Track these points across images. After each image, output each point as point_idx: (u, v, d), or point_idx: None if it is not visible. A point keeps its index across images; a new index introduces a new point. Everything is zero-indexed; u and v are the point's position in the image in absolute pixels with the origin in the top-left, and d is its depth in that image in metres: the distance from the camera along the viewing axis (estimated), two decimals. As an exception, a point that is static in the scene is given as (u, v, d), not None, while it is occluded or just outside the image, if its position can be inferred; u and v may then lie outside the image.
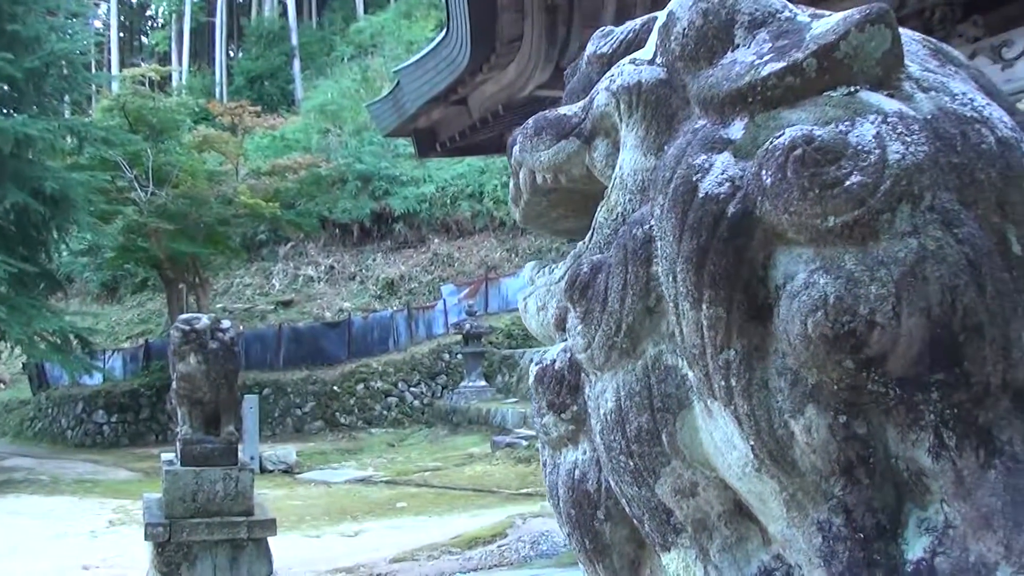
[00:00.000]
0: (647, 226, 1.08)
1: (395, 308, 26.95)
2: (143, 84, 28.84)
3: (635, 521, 1.12)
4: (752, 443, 0.98)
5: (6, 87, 20.81)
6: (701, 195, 1.00)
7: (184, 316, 10.30)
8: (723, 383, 0.98)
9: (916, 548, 0.94)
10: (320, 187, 28.57)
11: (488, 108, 8.11)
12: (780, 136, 0.99)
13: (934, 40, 1.22)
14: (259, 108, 29.69)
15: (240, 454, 10.44)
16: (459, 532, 10.92)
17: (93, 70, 29.54)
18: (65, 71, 21.68)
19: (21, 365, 31.08)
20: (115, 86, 31.28)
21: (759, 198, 0.98)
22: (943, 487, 0.93)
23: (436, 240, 29.98)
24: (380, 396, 24.64)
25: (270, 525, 9.23)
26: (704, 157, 1.03)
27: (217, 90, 42.71)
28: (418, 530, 11.64)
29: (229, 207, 24.63)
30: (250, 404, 18.51)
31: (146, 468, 19.55)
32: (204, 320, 9.69)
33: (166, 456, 10.60)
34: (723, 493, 1.05)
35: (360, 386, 24.77)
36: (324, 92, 36.03)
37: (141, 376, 26.30)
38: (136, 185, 23.32)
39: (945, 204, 0.96)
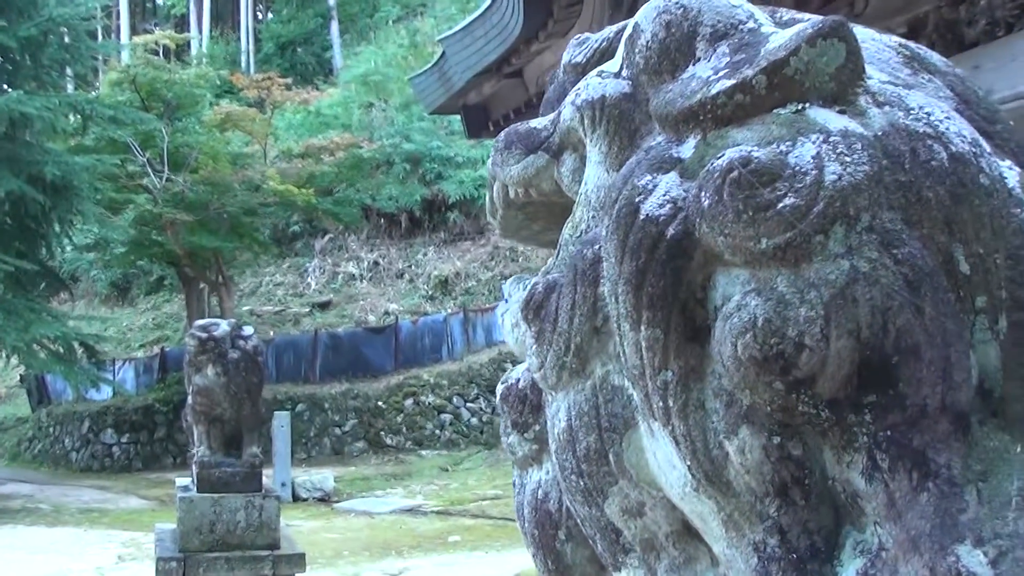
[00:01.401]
0: (597, 246, 1.28)
1: (449, 311, 27.28)
2: (157, 53, 29.69)
3: (590, 541, 1.33)
4: (689, 463, 1.17)
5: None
6: (642, 216, 1.20)
7: (201, 322, 10.69)
8: (661, 404, 1.18)
9: (849, 570, 1.12)
10: (362, 171, 29.00)
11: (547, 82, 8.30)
12: (720, 157, 1.18)
13: (913, 46, 1.40)
14: (290, 80, 30.35)
15: (266, 479, 10.80)
16: (520, 570, 11.14)
17: (99, 38, 30.47)
18: (66, 39, 22.26)
19: (18, 377, 31.88)
20: (125, 56, 32.17)
21: (698, 220, 1.17)
22: (876, 509, 1.11)
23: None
24: (432, 413, 25.00)
25: (299, 561, 9.55)
26: (649, 178, 1.23)
27: (242, 59, 43.58)
28: (473, 568, 11.92)
29: (256, 194, 25.18)
30: (281, 422, 18.96)
31: (161, 496, 20.14)
32: (223, 326, 10.06)
33: (181, 481, 10.99)
34: (670, 513, 1.25)
35: (409, 401, 25.14)
36: (366, 60, 36.50)
37: (156, 390, 27.02)
38: (149, 170, 23.99)
39: (886, 224, 1.14)
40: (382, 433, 25.10)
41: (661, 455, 1.22)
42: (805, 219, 1.12)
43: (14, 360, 23.18)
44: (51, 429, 28.58)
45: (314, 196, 25.73)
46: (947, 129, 1.21)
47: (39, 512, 18.63)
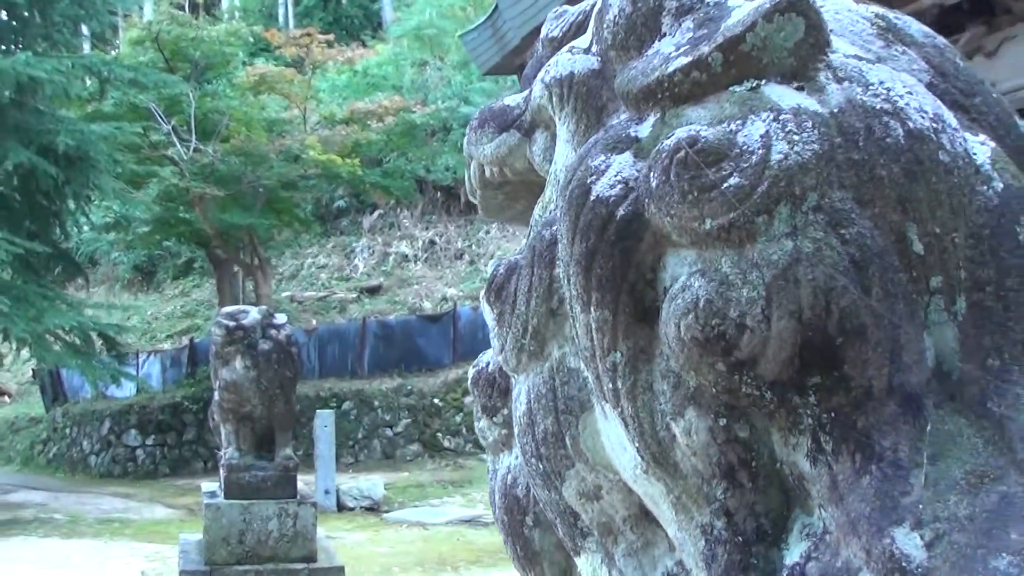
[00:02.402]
0: (554, 228, 1.46)
1: (514, 296, 27.46)
2: (182, 8, 30.17)
3: (552, 526, 1.51)
4: (637, 445, 1.34)
5: (4, 15, 21.34)
6: (592, 197, 1.37)
7: (228, 309, 10.98)
8: (611, 385, 1.35)
9: (795, 553, 1.29)
10: (415, 138, 29.16)
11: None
12: (670, 137, 1.35)
13: (891, 16, 1.55)
14: (333, 36, 30.41)
15: (308, 486, 11.08)
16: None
17: (119, -10, 30.84)
18: (81, -7, 22.63)
19: (31, 372, 32.56)
20: (147, 11, 32.79)
21: (647, 200, 1.34)
22: (820, 492, 1.27)
23: (570, 204, 30.47)
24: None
25: (337, 575, 9.82)
26: (603, 159, 1.40)
27: (279, 12, 44.03)
28: (536, 588, 12.14)
29: (295, 166, 25.46)
30: (324, 422, 19.17)
31: (191, 504, 20.51)
32: (253, 314, 10.34)
33: (208, 487, 11.31)
34: (627, 497, 1.42)
35: (469, 398, 25.30)
36: (420, 12, 36.53)
37: (185, 386, 27.46)
38: (175, 139, 24.35)
39: (835, 203, 1.29)
40: (439, 434, 25.31)
41: (614, 437, 1.40)
42: (749, 199, 1.28)
43: (25, 353, 23.44)
44: (67, 430, 29.11)
45: (361, 167, 26.00)
46: (906, 105, 1.36)
47: (54, 523, 18.93)
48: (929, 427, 1.28)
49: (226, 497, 10.11)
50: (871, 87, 1.37)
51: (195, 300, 34.75)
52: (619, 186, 1.37)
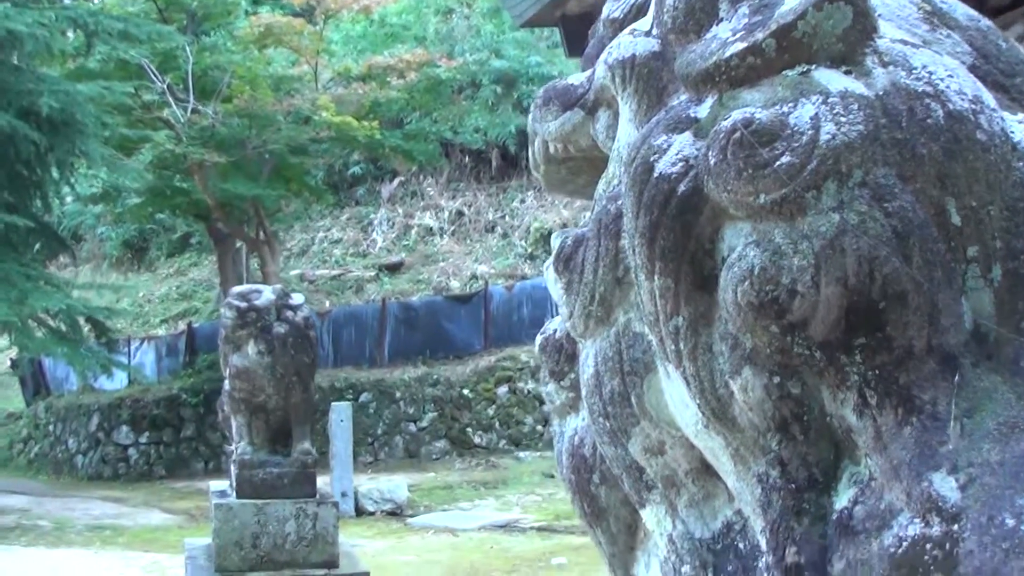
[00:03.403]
0: (619, 202, 1.80)
1: (553, 273, 27.66)
2: (177, -51, 30.39)
3: (618, 481, 1.86)
4: (698, 402, 1.69)
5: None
6: (655, 174, 1.71)
7: (239, 289, 11.20)
8: (673, 347, 1.70)
9: (843, 498, 1.63)
10: (440, 96, 29.37)
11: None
12: (727, 119, 1.69)
13: (935, 0, 1.88)
14: (347, -20, 30.65)
15: (323, 487, 11.31)
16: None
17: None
18: (62, -68, 22.80)
19: (10, 362, 32.82)
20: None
21: (706, 177, 1.68)
22: (866, 442, 1.61)
23: (615, 170, 30.62)
24: (532, 404, 25.45)
25: (363, 582, 10.07)
26: (664, 138, 1.74)
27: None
28: (584, 598, 12.45)
29: (306, 128, 25.74)
30: (340, 416, 19.34)
31: (190, 509, 20.90)
32: (267, 294, 10.58)
33: (217, 486, 11.56)
34: (689, 452, 1.77)
35: (503, 389, 25.60)
36: (444, -48, 36.92)
37: (183, 376, 27.91)
38: (170, 99, 24.56)
39: (879, 179, 1.63)
40: (469, 430, 25.73)
41: (676, 395, 1.74)
42: (799, 176, 1.62)
43: (4, 340, 23.94)
44: (51, 427, 29.62)
45: (379, 129, 26.20)
46: (947, 87, 1.69)
47: (38, 530, 19.24)
48: (966, 383, 1.62)
49: (238, 496, 10.25)
50: (914, 71, 1.70)
51: (193, 280, 35.09)
52: (680, 164, 1.71)
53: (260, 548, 9.99)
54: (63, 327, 22.75)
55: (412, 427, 26.01)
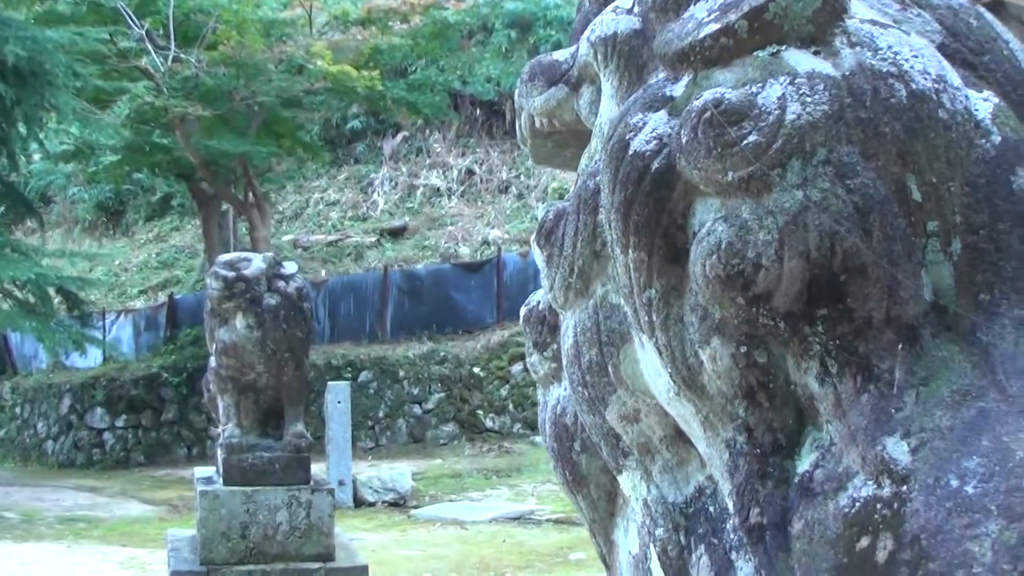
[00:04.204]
0: (598, 178, 2.09)
1: (573, 239, 27.76)
2: None
3: (597, 448, 2.15)
4: (670, 370, 1.97)
5: None
6: (631, 152, 1.99)
7: (226, 257, 11.35)
8: (646, 318, 1.98)
9: (805, 462, 1.91)
10: (448, 42, 29.43)
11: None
12: (699, 98, 1.97)
13: (910, -22, 2.16)
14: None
15: (316, 471, 11.50)
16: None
17: None
18: None
19: None
20: None
21: (678, 155, 1.96)
22: (827, 409, 1.89)
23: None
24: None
25: (360, 575, 10.29)
26: (640, 116, 2.02)
27: None
28: (602, 597, 12.66)
29: (299, 78, 25.89)
30: (337, 397, 19.40)
31: (171, 499, 21.08)
32: (257, 262, 10.72)
33: (202, 472, 11.77)
34: (663, 419, 2.06)
35: (517, 367, 25.67)
36: None
37: (163, 353, 28.14)
38: (149, 46, 24.61)
39: (842, 157, 1.91)
40: (479, 412, 25.99)
41: (650, 365, 2.03)
42: (765, 154, 1.90)
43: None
44: (17, 410, 29.94)
45: (381, 79, 26.32)
46: (911, 68, 1.97)
47: (5, 523, 19.38)
48: (924, 353, 1.90)
49: (225, 483, 10.40)
50: (879, 51, 1.98)
51: (174, 247, 35.24)
52: (654, 142, 1.99)
53: (249, 539, 10.13)
54: (31, 299, 23.01)
55: (417, 409, 26.23)
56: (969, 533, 1.68)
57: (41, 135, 25.06)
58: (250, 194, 27.66)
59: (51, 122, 25.37)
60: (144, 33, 24.97)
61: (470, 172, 32.87)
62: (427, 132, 33.51)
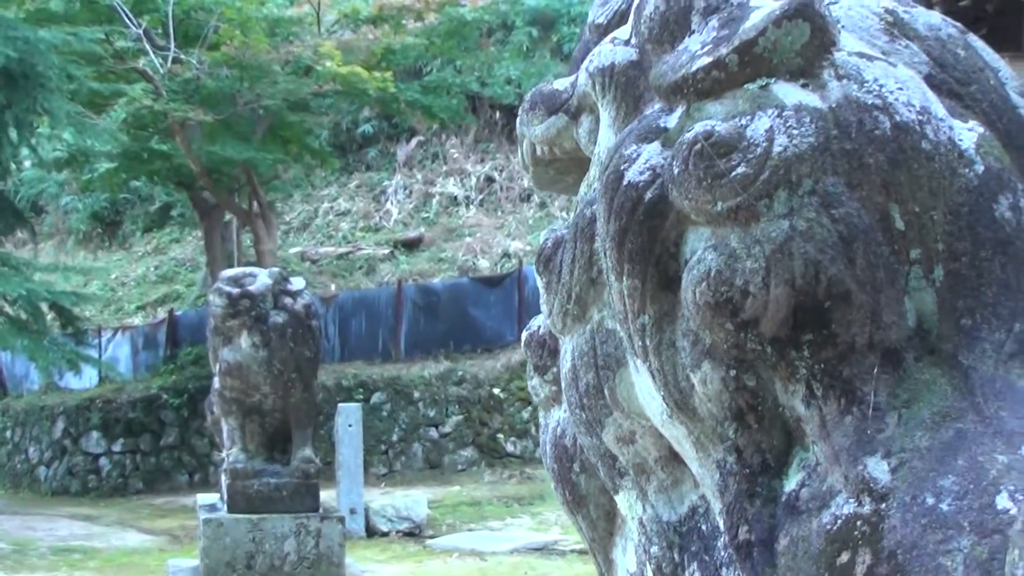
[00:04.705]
0: (595, 207, 2.32)
1: (600, 251, 27.95)
2: None
3: (595, 469, 2.39)
4: (663, 393, 2.21)
5: None
6: (625, 182, 2.23)
7: (229, 272, 11.59)
8: (640, 343, 2.21)
9: (792, 481, 2.14)
10: (465, 41, 29.53)
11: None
12: (690, 131, 2.20)
13: (900, 11, 2.39)
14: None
15: (326, 498, 11.70)
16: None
17: None
18: None
19: None
20: None
21: (670, 185, 2.20)
22: (812, 430, 2.12)
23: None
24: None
25: (372, 609, 10.51)
26: (634, 148, 2.25)
27: None
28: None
29: (307, 80, 26.03)
30: (348, 419, 19.35)
31: (172, 528, 21.21)
32: (262, 277, 10.99)
33: (205, 499, 12.04)
34: (658, 441, 2.29)
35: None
36: None
37: (163, 373, 28.37)
38: (147, 46, 24.89)
39: (828, 188, 2.13)
40: (500, 436, 26.18)
41: (644, 388, 2.26)
42: (753, 186, 2.12)
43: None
44: (8, 433, 30.19)
45: (394, 81, 26.47)
46: (896, 100, 2.19)
47: None
48: (907, 376, 2.13)
49: (230, 510, 10.69)
50: (865, 84, 2.21)
51: (174, 259, 35.40)
52: (648, 172, 2.22)
53: (255, 570, 10.34)
54: (22, 316, 23.15)
55: (433, 433, 26.43)
56: (943, 548, 1.89)
57: (33, 141, 25.08)
58: (255, 203, 27.83)
59: (43, 127, 25.43)
60: (142, 32, 25.19)
61: (489, 180, 33.09)
62: (443, 137, 33.69)
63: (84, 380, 29.01)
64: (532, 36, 31.95)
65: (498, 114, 32.75)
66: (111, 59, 25.59)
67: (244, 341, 10.52)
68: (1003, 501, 1.90)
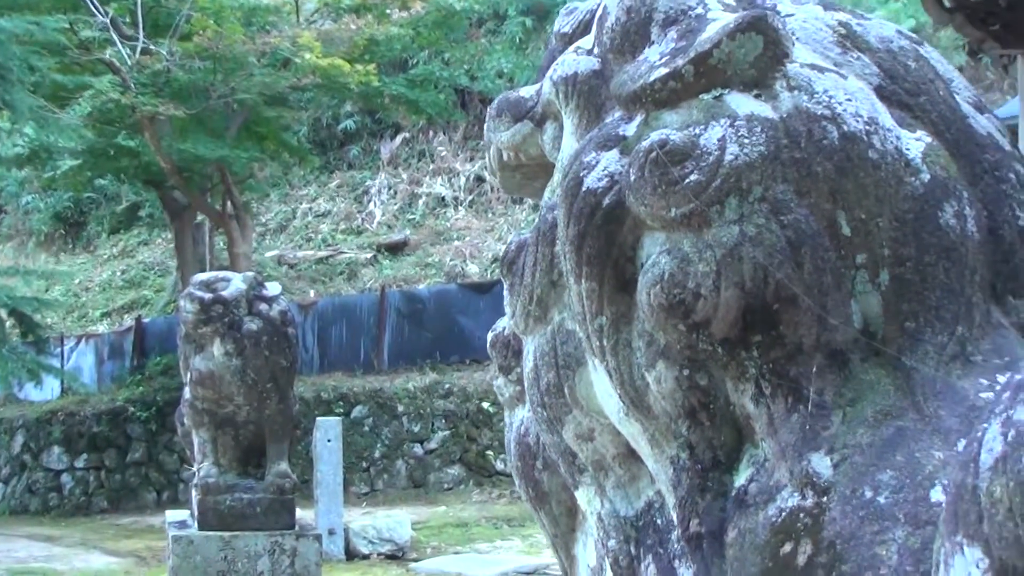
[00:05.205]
0: (556, 212, 2.59)
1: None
2: None
3: (556, 465, 2.65)
4: (619, 392, 2.47)
5: None
6: (584, 188, 2.49)
7: (201, 277, 11.73)
8: (598, 343, 2.48)
9: (742, 477, 2.40)
10: (453, 31, 29.68)
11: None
12: (646, 139, 2.46)
13: (854, 24, 2.65)
14: None
15: (301, 514, 11.86)
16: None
17: None
18: None
19: None
20: None
21: (627, 192, 2.46)
22: (761, 427, 2.38)
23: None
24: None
25: (350, 632, 10.69)
26: (593, 155, 2.52)
27: None
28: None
29: (284, 73, 26.18)
30: (327, 434, 19.44)
31: (138, 549, 21.23)
32: (236, 283, 11.09)
33: (175, 516, 12.19)
34: (615, 438, 2.56)
35: (534, 399, 26.10)
36: None
37: (129, 385, 28.50)
38: (115, 36, 24.84)
39: (777, 195, 2.40)
40: (489, 453, 26.28)
41: (602, 387, 2.52)
42: (705, 192, 2.39)
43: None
44: (-35, 448, 30.02)
45: (377, 74, 26.59)
46: (844, 111, 2.46)
47: None
48: (853, 376, 2.39)
49: (201, 527, 10.78)
50: (815, 95, 2.47)
51: (142, 263, 35.45)
52: (606, 179, 2.48)
53: (227, 591, 10.40)
54: (-21, 323, 23.16)
55: (418, 449, 26.55)
56: (879, 538, 2.15)
57: (-7, 136, 24.97)
58: (229, 204, 27.94)
59: (3, 121, 25.59)
60: (108, 21, 25.03)
61: (479, 179, 33.14)
62: (430, 134, 33.83)
63: (45, 392, 29.11)
64: (526, 26, 32.06)
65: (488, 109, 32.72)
66: (76, 50, 25.62)
67: (217, 349, 10.63)
68: (937, 494, 2.15)
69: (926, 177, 2.46)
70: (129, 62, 25.35)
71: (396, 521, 20.76)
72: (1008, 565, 1.62)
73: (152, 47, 25.46)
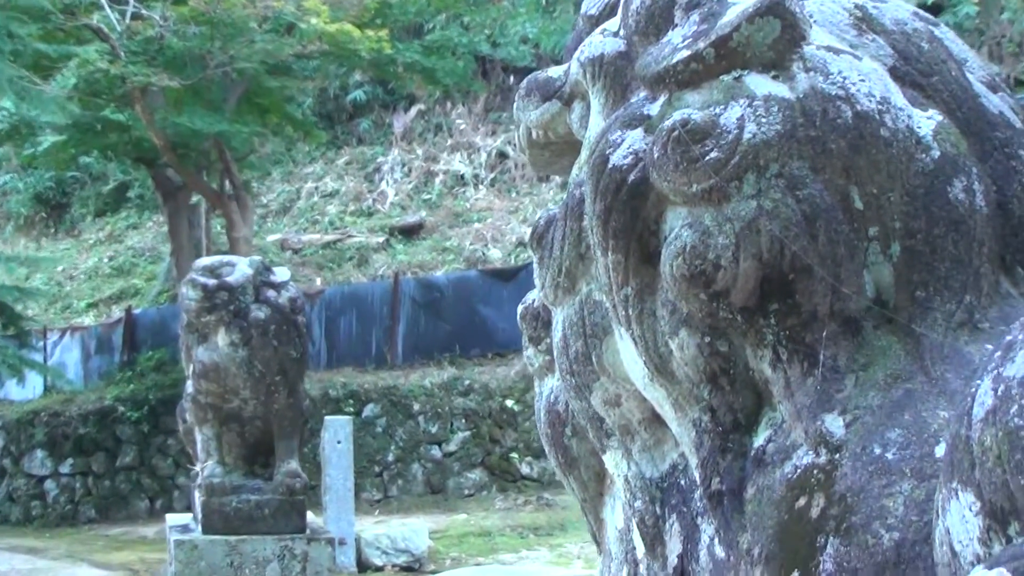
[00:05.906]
0: (583, 187, 3.02)
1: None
2: None
3: (584, 431, 3.09)
4: (644, 359, 2.90)
5: None
6: (610, 165, 2.91)
7: (204, 261, 11.98)
8: (623, 312, 2.91)
9: (760, 438, 2.83)
10: (470, -6, 29.97)
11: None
12: (669, 118, 2.89)
13: (869, 7, 3.08)
14: None
15: (311, 516, 12.15)
16: None
17: None
18: None
19: None
20: None
21: (651, 169, 2.89)
22: (778, 391, 2.81)
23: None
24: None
25: (365, 643, 10.95)
26: (619, 133, 2.94)
27: None
28: None
29: (288, 40, 26.29)
30: (337, 434, 19.25)
31: (130, 562, 21.46)
32: (242, 268, 11.36)
33: (177, 520, 12.48)
34: (642, 404, 2.99)
35: (560, 397, 26.22)
36: None
37: (119, 382, 28.63)
38: (104, 1, 24.74)
39: (793, 171, 2.82)
40: (514, 456, 26.50)
41: (628, 354, 2.95)
42: (724, 169, 2.81)
43: None
44: (-60, 452, 30.22)
45: (390, 40, 26.76)
46: (858, 91, 2.87)
47: None
48: (866, 342, 2.81)
49: (205, 531, 11.01)
50: (830, 76, 2.89)
51: (132, 248, 35.59)
52: (631, 157, 2.91)
53: (233, 598, 10.67)
54: (-44, 315, 23.38)
55: (435, 451, 26.66)
56: (886, 491, 2.55)
57: (-31, 112, 24.90)
58: (227, 183, 28.13)
59: (-20, 95, 25.76)
60: (97, -15, 25.18)
61: (502, 155, 33.43)
62: (448, 106, 33.98)
63: (27, 390, 29.26)
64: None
65: (512, 79, 32.47)
66: (60, 15, 25.47)
67: (221, 339, 10.80)
68: (940, 450, 2.51)
69: (936, 154, 2.86)
70: (119, 28, 25.35)
71: (412, 530, 20.87)
72: (997, 507, 1.99)
73: (144, 12, 25.35)
